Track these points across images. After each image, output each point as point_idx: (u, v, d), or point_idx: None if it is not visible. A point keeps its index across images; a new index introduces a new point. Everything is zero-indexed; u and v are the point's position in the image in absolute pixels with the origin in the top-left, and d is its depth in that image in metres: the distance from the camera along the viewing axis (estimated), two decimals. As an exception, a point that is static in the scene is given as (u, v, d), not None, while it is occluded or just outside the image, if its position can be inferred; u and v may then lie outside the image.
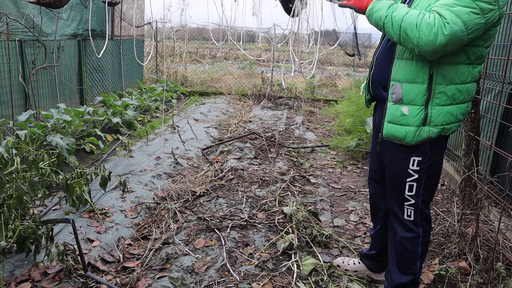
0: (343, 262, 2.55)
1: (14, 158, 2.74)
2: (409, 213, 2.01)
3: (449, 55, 1.79)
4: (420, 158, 1.93)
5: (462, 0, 1.65)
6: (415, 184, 1.96)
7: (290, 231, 2.91)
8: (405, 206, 2.01)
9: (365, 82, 2.23)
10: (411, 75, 1.86)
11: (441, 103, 1.85)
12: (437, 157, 1.97)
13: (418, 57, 1.83)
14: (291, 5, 2.82)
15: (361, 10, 1.95)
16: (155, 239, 2.86)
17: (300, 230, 2.92)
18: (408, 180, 1.97)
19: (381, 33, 2.07)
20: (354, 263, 2.52)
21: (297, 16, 2.82)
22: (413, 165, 1.94)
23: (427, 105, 1.85)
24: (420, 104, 1.86)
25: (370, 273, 2.49)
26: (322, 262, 2.57)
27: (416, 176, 1.95)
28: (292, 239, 2.74)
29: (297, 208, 3.24)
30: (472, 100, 1.95)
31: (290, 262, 2.55)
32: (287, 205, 3.28)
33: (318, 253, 2.71)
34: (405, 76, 1.87)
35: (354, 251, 2.79)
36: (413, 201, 1.98)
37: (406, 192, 1.98)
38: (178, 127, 6.03)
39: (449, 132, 1.91)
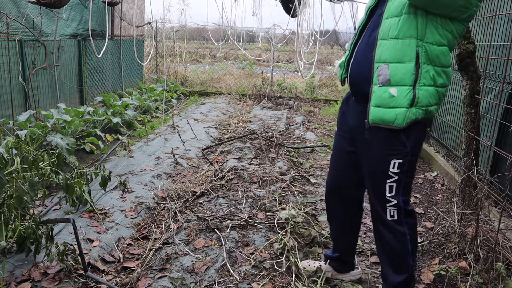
0: (308, 265, 2.50)
1: (14, 158, 2.74)
2: (392, 214, 2.00)
3: (434, 34, 1.79)
4: (401, 161, 1.92)
5: None
6: (394, 185, 1.95)
7: (288, 233, 2.90)
8: (387, 208, 1.99)
9: (341, 60, 2.17)
10: (398, 54, 1.82)
11: (426, 83, 1.83)
12: (415, 158, 1.97)
13: (405, 33, 1.80)
14: (291, 5, 2.82)
15: None
16: (155, 239, 2.86)
17: (297, 232, 2.92)
18: (388, 181, 1.95)
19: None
20: (320, 265, 2.47)
21: (296, 16, 2.83)
22: (393, 168, 1.93)
23: (415, 86, 1.83)
24: (408, 85, 1.82)
25: (336, 274, 2.44)
26: (322, 263, 2.57)
27: (396, 177, 1.94)
28: (288, 242, 2.73)
29: (296, 211, 3.24)
30: (447, 86, 1.93)
31: (289, 262, 2.55)
32: (284, 209, 3.26)
33: (318, 253, 2.72)
34: (392, 55, 1.83)
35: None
36: (395, 202, 1.96)
37: (387, 194, 1.96)
38: (178, 127, 6.03)
39: (430, 114, 1.90)
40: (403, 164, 1.92)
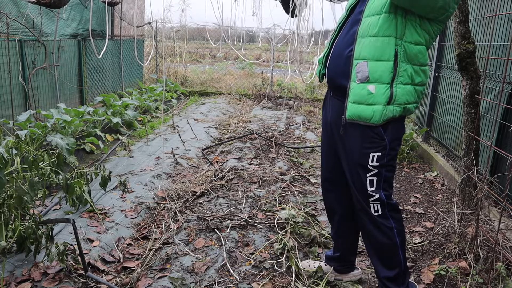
0: (309, 265, 2.51)
1: (14, 158, 2.74)
2: (376, 208, 2.00)
3: (412, 34, 1.83)
4: (379, 154, 1.93)
5: None
6: (375, 179, 1.96)
7: (288, 233, 2.90)
8: (370, 203, 1.99)
9: (321, 55, 2.19)
10: (378, 52, 1.84)
11: (404, 81, 1.86)
12: (394, 152, 1.98)
13: (384, 32, 1.83)
14: (291, 5, 2.82)
15: None
16: (155, 239, 2.86)
17: (297, 232, 2.92)
18: (368, 175, 1.96)
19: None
20: (320, 265, 2.47)
21: (295, 16, 2.83)
22: (372, 161, 1.94)
23: (393, 83, 1.85)
24: (386, 82, 1.84)
25: (337, 274, 2.44)
26: (323, 263, 2.57)
27: (375, 171, 1.95)
28: (287, 242, 2.73)
29: (295, 211, 3.24)
30: (425, 85, 1.96)
31: (289, 262, 2.55)
32: (284, 209, 3.26)
33: (318, 253, 2.72)
34: (371, 53, 1.85)
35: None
36: (377, 196, 1.97)
37: (369, 189, 1.97)
38: (178, 127, 6.03)
39: (408, 112, 1.92)
40: (381, 157, 1.93)
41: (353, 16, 2.00)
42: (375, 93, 1.85)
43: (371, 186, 1.96)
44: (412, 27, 1.83)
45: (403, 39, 1.83)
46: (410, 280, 2.19)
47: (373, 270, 2.54)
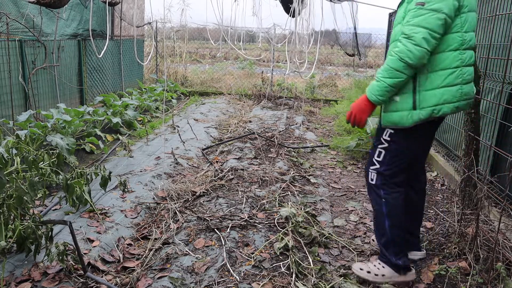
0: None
1: (14, 158, 2.74)
2: (372, 177, 2.29)
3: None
4: (393, 131, 2.19)
5: (416, 13, 2.00)
6: (383, 152, 2.23)
7: (289, 232, 2.90)
8: (370, 171, 2.29)
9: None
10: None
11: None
12: (410, 142, 2.22)
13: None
14: (291, 5, 2.82)
15: (368, 105, 2.19)
16: (155, 239, 2.86)
17: (298, 232, 2.92)
18: (379, 146, 2.25)
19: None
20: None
21: (296, 16, 2.83)
22: (385, 135, 2.22)
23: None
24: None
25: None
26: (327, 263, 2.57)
27: (386, 145, 2.22)
28: (289, 241, 2.73)
29: (295, 210, 3.23)
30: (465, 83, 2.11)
31: (289, 262, 2.55)
32: (285, 207, 3.27)
33: (318, 253, 2.71)
34: None
35: (354, 251, 2.79)
36: (377, 166, 2.25)
37: (375, 157, 2.26)
38: (178, 127, 6.03)
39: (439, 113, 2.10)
40: (394, 134, 2.19)
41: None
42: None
43: (378, 156, 2.24)
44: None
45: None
46: (407, 261, 2.37)
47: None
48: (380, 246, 2.38)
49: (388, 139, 2.20)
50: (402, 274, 2.34)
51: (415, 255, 2.61)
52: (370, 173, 2.29)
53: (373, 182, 2.28)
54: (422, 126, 2.15)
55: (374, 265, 2.38)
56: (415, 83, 2.09)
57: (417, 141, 2.25)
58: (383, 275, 2.33)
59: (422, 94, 2.08)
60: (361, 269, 2.40)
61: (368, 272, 2.36)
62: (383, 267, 2.35)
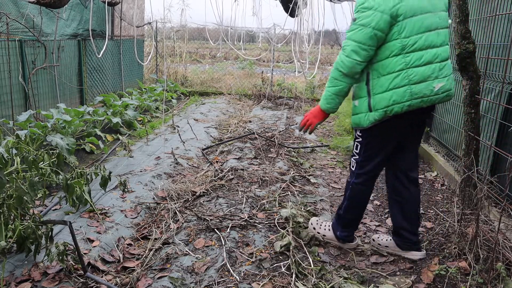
0: (378, 237, 2.80)
1: (14, 158, 2.74)
2: (352, 165, 2.59)
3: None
4: (359, 130, 2.49)
5: (351, 27, 2.29)
6: (359, 146, 2.51)
7: (290, 233, 2.90)
8: (351, 159, 2.60)
9: None
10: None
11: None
12: (377, 139, 2.47)
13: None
14: (291, 5, 2.82)
15: (320, 113, 2.51)
16: (155, 239, 2.86)
17: (298, 232, 2.92)
18: (356, 140, 2.54)
19: None
20: (386, 240, 2.74)
21: (297, 16, 2.83)
22: (356, 132, 2.53)
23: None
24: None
25: (398, 250, 2.68)
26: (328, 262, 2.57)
27: (359, 139, 2.50)
28: (290, 241, 2.73)
29: (295, 210, 3.23)
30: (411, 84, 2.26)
31: (289, 262, 2.55)
32: (285, 207, 3.27)
33: (318, 253, 2.71)
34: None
35: (354, 251, 2.79)
36: (355, 157, 2.55)
37: (354, 150, 2.57)
38: (178, 127, 6.03)
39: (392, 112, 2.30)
40: (361, 132, 2.48)
41: None
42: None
43: (356, 149, 2.54)
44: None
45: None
46: (349, 237, 2.74)
47: (373, 270, 2.55)
48: (335, 214, 2.78)
49: (360, 134, 2.49)
50: (341, 242, 2.76)
51: (415, 255, 2.63)
52: (352, 161, 2.60)
53: (353, 169, 2.59)
54: (383, 124, 2.36)
55: (325, 225, 2.84)
56: (369, 88, 2.34)
57: (379, 138, 2.45)
58: (324, 236, 2.81)
59: (375, 97, 2.31)
60: (316, 222, 2.88)
61: (314, 228, 2.85)
62: (329, 230, 2.80)
